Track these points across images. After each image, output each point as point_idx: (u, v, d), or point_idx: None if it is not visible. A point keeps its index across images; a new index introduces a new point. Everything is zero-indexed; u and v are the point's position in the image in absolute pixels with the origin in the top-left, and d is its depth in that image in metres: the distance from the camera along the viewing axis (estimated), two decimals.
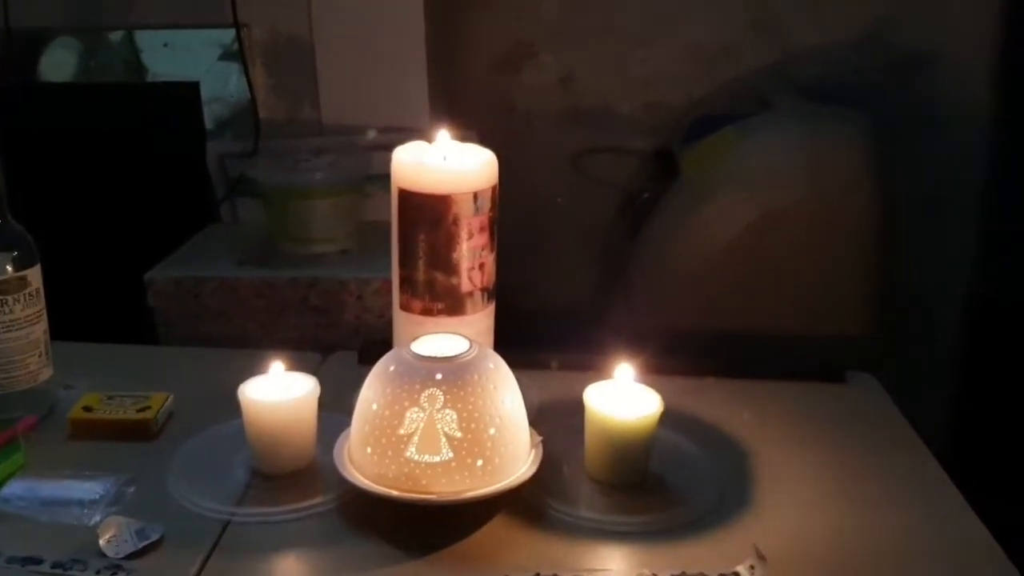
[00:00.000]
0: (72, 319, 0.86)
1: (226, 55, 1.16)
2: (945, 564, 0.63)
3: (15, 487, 0.68)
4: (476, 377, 0.64)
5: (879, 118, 1.11)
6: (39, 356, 0.78)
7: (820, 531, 0.66)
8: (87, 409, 0.77)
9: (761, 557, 0.59)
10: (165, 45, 1.18)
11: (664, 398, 0.69)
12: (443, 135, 0.76)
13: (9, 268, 0.75)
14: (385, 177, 0.75)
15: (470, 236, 0.73)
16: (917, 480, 0.72)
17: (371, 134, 1.14)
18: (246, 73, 1.14)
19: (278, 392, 0.70)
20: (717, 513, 0.67)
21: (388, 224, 0.76)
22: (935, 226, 1.27)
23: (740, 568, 0.60)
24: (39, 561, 0.60)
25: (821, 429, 0.79)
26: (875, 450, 0.76)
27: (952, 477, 0.72)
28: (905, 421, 0.81)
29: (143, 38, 1.18)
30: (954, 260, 1.29)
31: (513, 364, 0.68)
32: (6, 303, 0.75)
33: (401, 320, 0.77)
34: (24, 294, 0.76)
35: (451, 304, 0.74)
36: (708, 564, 0.61)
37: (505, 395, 0.65)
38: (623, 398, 0.69)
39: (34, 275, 0.77)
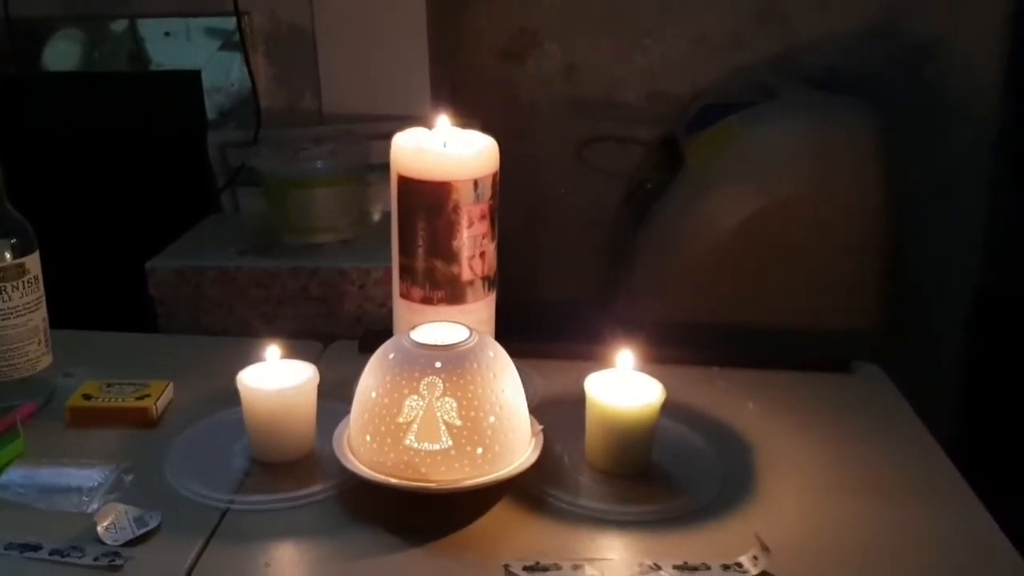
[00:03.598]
0: (73, 308, 0.86)
1: (227, 44, 1.16)
2: (951, 554, 0.62)
3: (14, 474, 0.68)
4: (476, 365, 0.63)
5: (887, 108, 1.10)
6: (38, 344, 0.78)
7: (824, 521, 0.65)
8: (86, 397, 0.77)
9: (764, 548, 0.59)
10: (166, 34, 1.17)
11: (667, 388, 0.68)
12: (443, 121, 0.75)
13: (8, 255, 0.75)
14: (386, 166, 0.75)
15: (470, 224, 0.72)
16: (923, 470, 0.71)
17: (372, 124, 1.13)
18: (247, 62, 1.14)
19: (277, 380, 0.69)
20: (720, 503, 0.66)
21: (389, 213, 0.75)
22: (943, 216, 1.26)
23: (743, 559, 0.59)
24: (37, 547, 0.60)
25: (827, 419, 0.78)
26: (881, 440, 0.75)
27: (958, 467, 0.71)
28: (911, 411, 0.80)
29: (144, 27, 1.18)
30: (962, 250, 1.28)
31: (514, 353, 0.67)
32: (5, 290, 0.74)
33: (401, 308, 0.76)
34: (23, 281, 0.75)
35: (451, 293, 0.74)
36: (711, 554, 0.60)
37: (505, 383, 0.65)
38: (625, 386, 0.69)
39: (32, 262, 0.77)
